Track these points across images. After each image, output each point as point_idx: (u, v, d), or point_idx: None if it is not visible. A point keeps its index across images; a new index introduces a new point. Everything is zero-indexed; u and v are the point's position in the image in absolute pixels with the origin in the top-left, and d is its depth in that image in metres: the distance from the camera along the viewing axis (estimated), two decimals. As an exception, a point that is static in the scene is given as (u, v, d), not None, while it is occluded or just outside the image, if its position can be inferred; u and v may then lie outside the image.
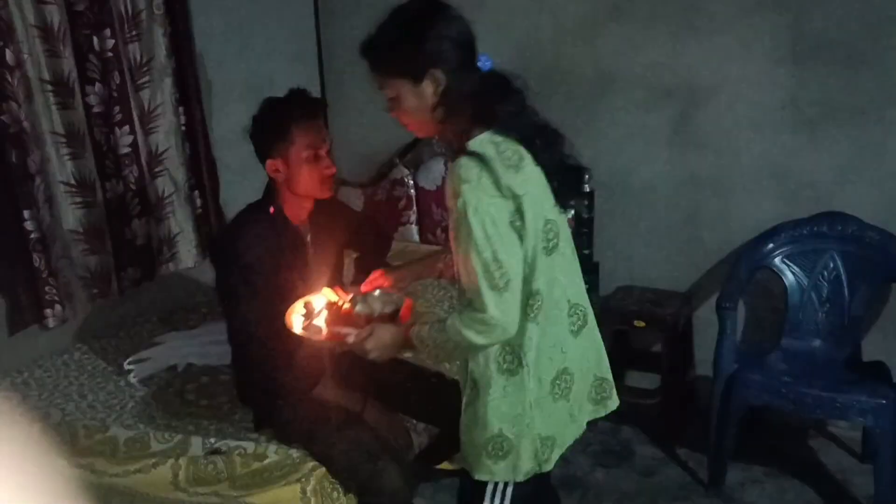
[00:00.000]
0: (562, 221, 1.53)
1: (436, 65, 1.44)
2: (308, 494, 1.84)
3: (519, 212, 1.40)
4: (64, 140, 2.54)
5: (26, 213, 2.44)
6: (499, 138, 1.43)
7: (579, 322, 1.57)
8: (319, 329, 1.71)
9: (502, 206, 1.38)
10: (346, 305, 1.72)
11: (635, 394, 2.92)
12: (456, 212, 1.37)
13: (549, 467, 1.56)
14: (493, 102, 1.44)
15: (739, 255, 2.66)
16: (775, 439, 2.77)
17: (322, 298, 1.82)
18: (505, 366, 1.49)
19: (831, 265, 2.55)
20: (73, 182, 2.58)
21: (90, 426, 2.18)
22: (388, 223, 3.26)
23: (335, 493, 1.90)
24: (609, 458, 2.75)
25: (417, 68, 1.45)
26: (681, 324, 2.86)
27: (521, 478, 1.54)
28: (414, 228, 3.41)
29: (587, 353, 1.60)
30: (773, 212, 2.73)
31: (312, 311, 1.77)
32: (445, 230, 3.34)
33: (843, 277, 2.53)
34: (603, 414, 1.66)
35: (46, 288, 2.51)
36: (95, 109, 2.63)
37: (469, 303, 1.41)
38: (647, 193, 2.97)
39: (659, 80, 2.85)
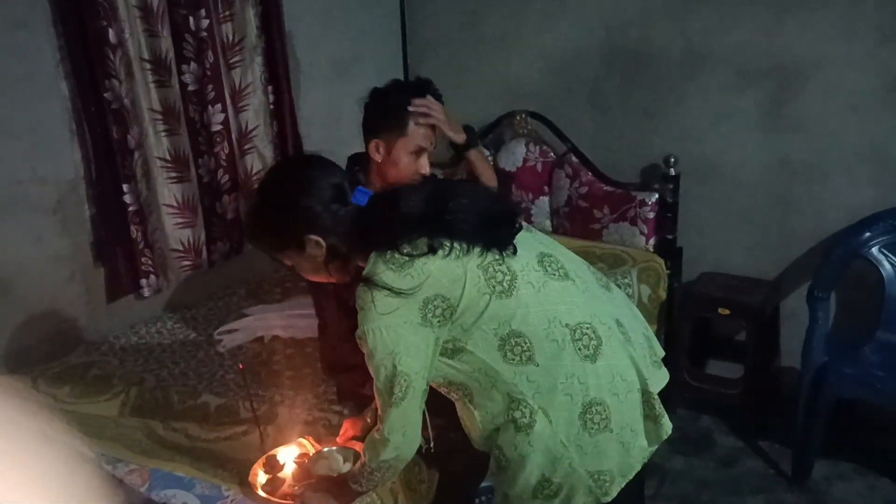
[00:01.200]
0: (514, 260, 1.43)
1: (309, 231, 1.46)
2: (391, 467, 1.87)
3: (431, 298, 1.36)
4: (161, 117, 2.64)
5: (125, 187, 2.56)
6: (383, 252, 1.39)
7: (593, 342, 1.44)
8: (283, 482, 1.74)
9: (405, 310, 1.36)
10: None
11: (717, 383, 2.86)
12: (358, 338, 1.40)
13: (608, 498, 1.50)
14: (373, 231, 1.43)
15: (834, 243, 2.56)
16: (865, 435, 2.68)
17: (294, 449, 1.84)
18: (519, 422, 1.43)
19: (933, 256, 2.43)
20: (168, 158, 2.68)
21: (183, 392, 2.27)
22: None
23: (416, 468, 1.93)
24: (688, 446, 2.71)
25: (294, 241, 1.48)
26: (767, 312, 2.78)
27: None
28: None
29: (619, 373, 1.47)
30: (870, 199, 2.62)
31: (276, 465, 1.78)
32: (524, 212, 3.33)
33: (946, 269, 2.41)
34: (665, 434, 1.53)
35: (143, 259, 2.63)
36: (190, 88, 2.71)
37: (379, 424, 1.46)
38: (736, 177, 2.89)
39: (752, 60, 2.76)
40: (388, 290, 1.35)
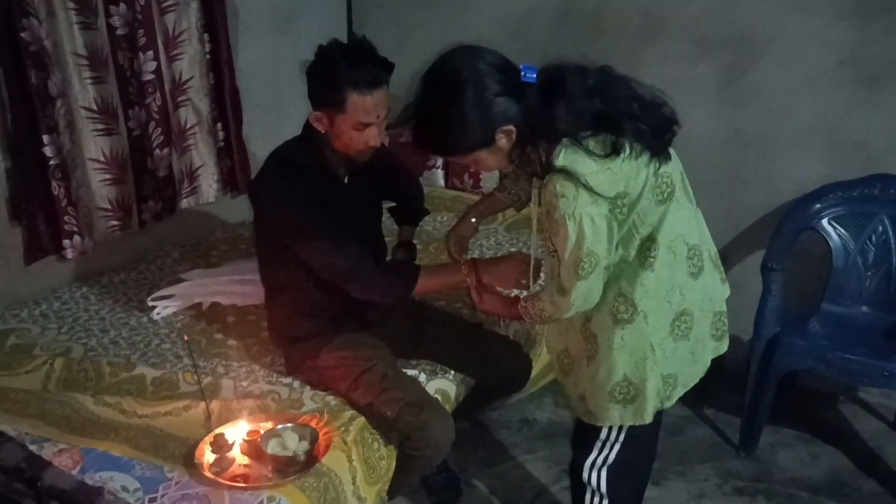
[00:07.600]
0: (675, 171, 1.55)
1: (500, 123, 1.43)
2: (348, 444, 1.78)
3: (617, 197, 1.45)
4: (86, 62, 2.41)
5: (46, 139, 2.32)
6: (576, 143, 1.42)
7: (699, 264, 1.59)
8: (232, 462, 1.68)
9: (599, 204, 1.43)
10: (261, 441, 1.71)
11: (664, 352, 2.87)
12: (555, 221, 1.45)
13: (669, 404, 1.64)
14: (556, 115, 1.41)
15: (785, 215, 2.57)
16: (804, 403, 2.74)
17: (243, 426, 1.77)
18: (619, 315, 1.54)
19: (880, 229, 2.47)
20: (95, 108, 2.46)
21: (115, 363, 2.10)
22: (413, 167, 3.14)
23: (375, 444, 1.84)
24: (636, 416, 2.71)
25: (485, 137, 1.45)
26: (716, 283, 2.80)
27: (647, 419, 1.61)
28: (440, 173, 3.32)
29: (709, 293, 1.63)
30: (820, 172, 2.63)
31: (225, 444, 1.70)
32: (473, 176, 3.25)
33: (892, 242, 2.45)
34: (722, 351, 1.70)
35: (66, 217, 2.41)
36: (119, 31, 2.48)
37: (558, 284, 1.52)
38: (689, 148, 2.80)
39: (711, 30, 2.72)
40: (587, 188, 1.39)
